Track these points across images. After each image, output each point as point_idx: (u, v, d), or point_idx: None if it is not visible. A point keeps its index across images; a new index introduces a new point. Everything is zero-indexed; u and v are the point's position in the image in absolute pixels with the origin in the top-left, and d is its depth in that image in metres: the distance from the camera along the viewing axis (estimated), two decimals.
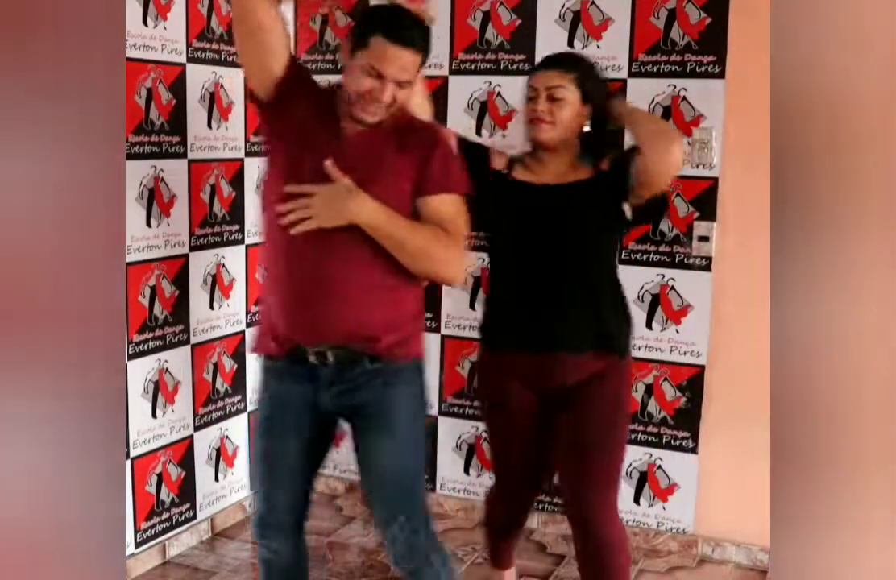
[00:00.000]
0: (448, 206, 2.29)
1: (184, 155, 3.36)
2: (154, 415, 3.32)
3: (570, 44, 3.46)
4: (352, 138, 2.26)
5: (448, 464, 3.85)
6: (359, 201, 2.19)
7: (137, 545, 3.29)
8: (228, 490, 3.72)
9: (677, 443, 3.50)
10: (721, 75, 3.29)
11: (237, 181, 3.63)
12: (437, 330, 3.76)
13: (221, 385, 3.65)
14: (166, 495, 3.41)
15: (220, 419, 3.66)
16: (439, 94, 3.64)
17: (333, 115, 2.29)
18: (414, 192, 2.27)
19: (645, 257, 3.46)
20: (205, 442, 3.58)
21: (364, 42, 2.18)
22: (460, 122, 3.64)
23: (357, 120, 2.24)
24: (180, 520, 3.49)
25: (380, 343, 2.27)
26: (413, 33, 2.20)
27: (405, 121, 2.32)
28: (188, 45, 3.33)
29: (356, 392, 2.30)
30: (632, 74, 3.40)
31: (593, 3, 3.43)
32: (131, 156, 3.12)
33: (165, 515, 3.42)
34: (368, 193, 2.20)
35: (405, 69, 2.19)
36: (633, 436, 3.54)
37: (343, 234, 2.20)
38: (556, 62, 2.60)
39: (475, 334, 3.75)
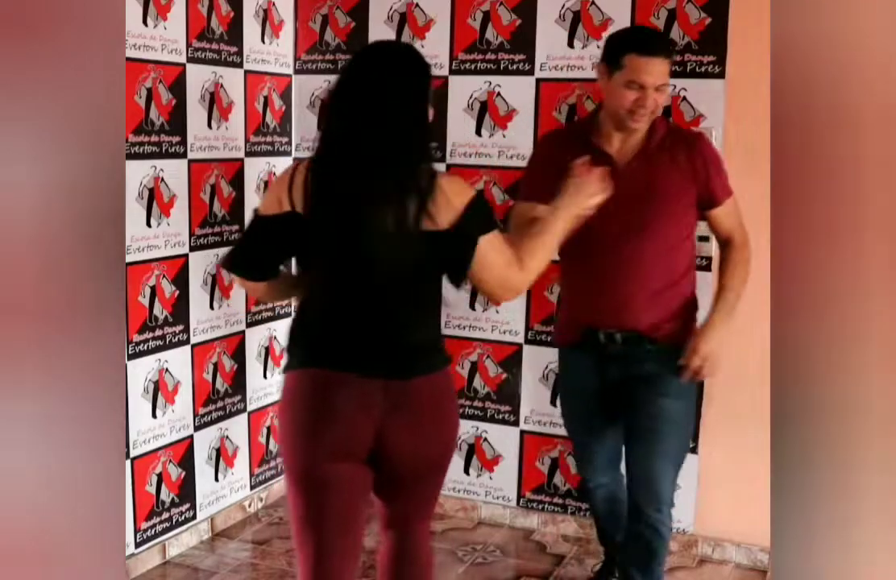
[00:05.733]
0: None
1: (184, 155, 3.36)
2: (154, 415, 3.32)
3: (570, 44, 3.46)
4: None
5: None
6: None
7: (137, 545, 3.29)
8: (228, 490, 3.72)
9: None
10: (721, 75, 3.29)
11: (237, 181, 3.63)
12: None
13: (221, 385, 3.65)
14: (166, 495, 3.41)
15: (220, 419, 3.65)
16: (439, 94, 3.64)
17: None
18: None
19: None
20: (205, 442, 3.58)
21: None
22: (460, 123, 3.64)
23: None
24: (180, 520, 3.49)
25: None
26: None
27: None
28: (188, 45, 3.33)
29: None
30: None
31: (593, 3, 3.43)
32: (131, 156, 3.12)
33: (165, 515, 3.42)
34: None
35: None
36: None
37: None
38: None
39: (476, 334, 3.78)
